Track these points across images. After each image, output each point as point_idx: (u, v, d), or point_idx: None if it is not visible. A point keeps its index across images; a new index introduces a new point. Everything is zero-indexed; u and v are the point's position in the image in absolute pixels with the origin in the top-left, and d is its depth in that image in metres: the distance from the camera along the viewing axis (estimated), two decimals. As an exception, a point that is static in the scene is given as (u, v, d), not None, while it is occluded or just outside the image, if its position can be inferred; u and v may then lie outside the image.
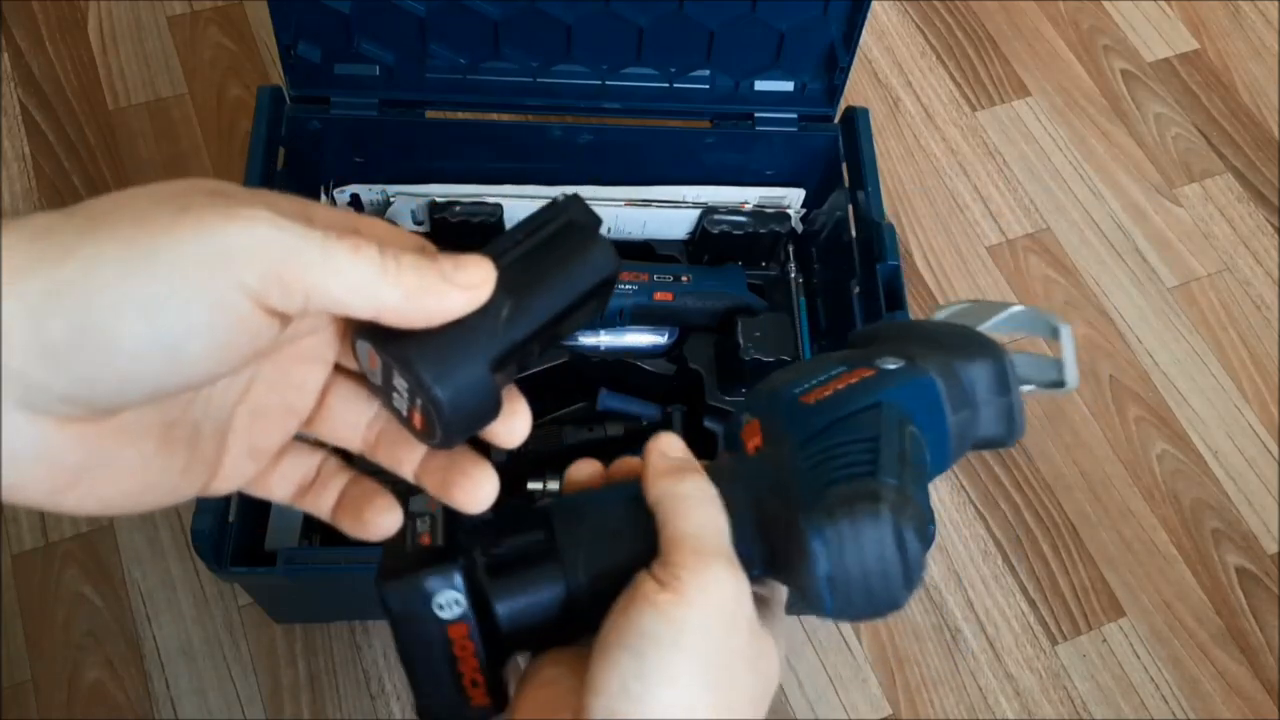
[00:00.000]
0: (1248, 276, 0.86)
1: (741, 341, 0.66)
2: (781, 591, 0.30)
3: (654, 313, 0.69)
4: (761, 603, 0.28)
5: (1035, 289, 0.85)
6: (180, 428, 0.24)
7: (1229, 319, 0.84)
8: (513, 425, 0.27)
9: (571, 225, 0.26)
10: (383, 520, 0.27)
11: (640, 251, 0.73)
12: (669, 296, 0.69)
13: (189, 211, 0.21)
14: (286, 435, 0.27)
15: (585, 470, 0.31)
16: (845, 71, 0.68)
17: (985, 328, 0.34)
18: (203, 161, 0.83)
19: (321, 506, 0.28)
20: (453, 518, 0.28)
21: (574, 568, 0.27)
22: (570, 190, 0.28)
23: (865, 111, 0.69)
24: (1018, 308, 0.35)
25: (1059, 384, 0.33)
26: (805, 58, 0.68)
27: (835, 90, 0.69)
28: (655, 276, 0.69)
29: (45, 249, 0.20)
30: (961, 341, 0.31)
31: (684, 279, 0.69)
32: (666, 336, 0.71)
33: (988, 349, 0.31)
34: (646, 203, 0.71)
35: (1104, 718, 0.69)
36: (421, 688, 0.28)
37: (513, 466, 0.66)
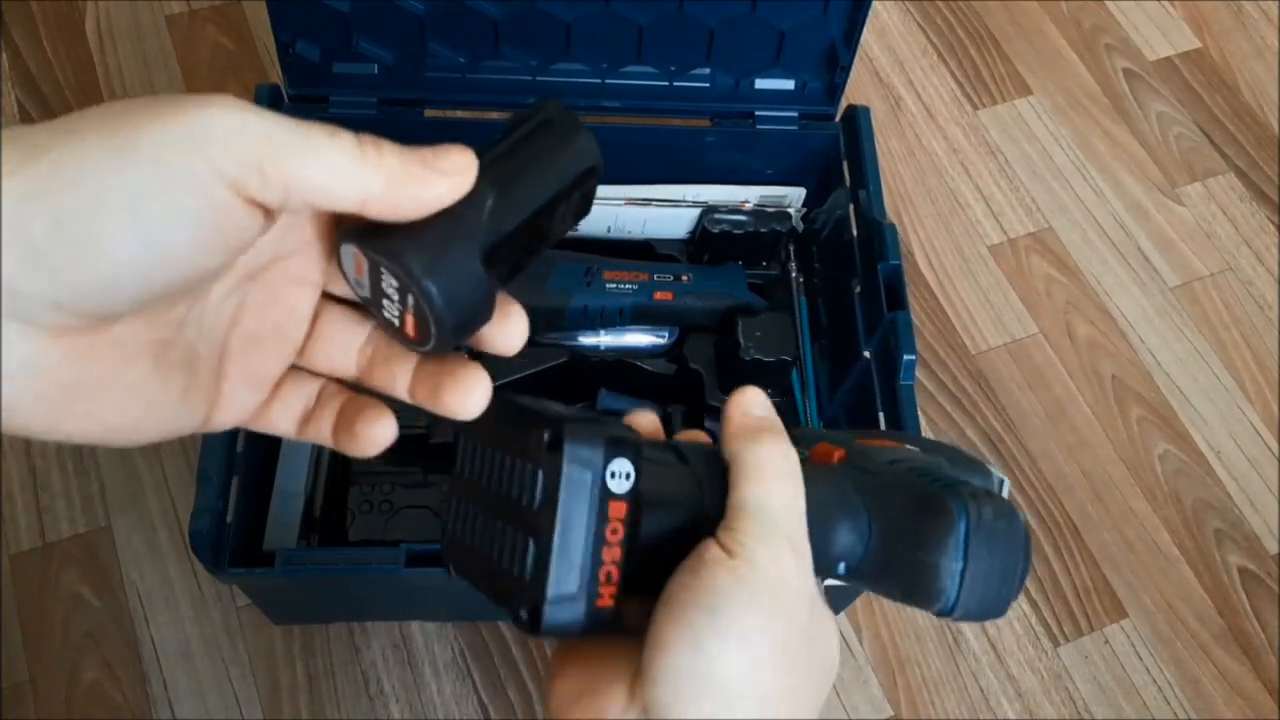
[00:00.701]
0: (1250, 276, 0.86)
1: (742, 341, 0.65)
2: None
3: (654, 312, 0.69)
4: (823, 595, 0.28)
5: (1037, 288, 0.84)
6: (175, 349, 0.24)
7: (1231, 318, 0.84)
8: (509, 329, 0.26)
9: (551, 122, 0.26)
10: (374, 431, 0.26)
11: (640, 251, 0.73)
12: (669, 296, 0.68)
13: (166, 103, 0.20)
14: (283, 363, 0.26)
15: (648, 422, 0.30)
16: (846, 70, 0.68)
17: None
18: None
19: (323, 432, 0.27)
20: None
21: (709, 497, 0.26)
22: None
23: (866, 110, 0.69)
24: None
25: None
26: (806, 56, 0.68)
27: (836, 89, 0.69)
28: (655, 276, 0.69)
29: (24, 151, 0.19)
30: (951, 449, 0.32)
31: (684, 278, 0.69)
32: (666, 336, 0.70)
33: (973, 461, 0.32)
34: (646, 202, 0.71)
35: (1106, 719, 0.69)
36: (554, 570, 0.24)
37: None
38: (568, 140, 0.26)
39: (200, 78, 0.86)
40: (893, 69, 0.93)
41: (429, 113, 0.68)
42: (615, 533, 0.25)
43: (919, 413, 0.58)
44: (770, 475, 0.27)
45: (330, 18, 0.63)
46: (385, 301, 0.24)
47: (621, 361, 0.68)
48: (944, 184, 0.88)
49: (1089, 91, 0.94)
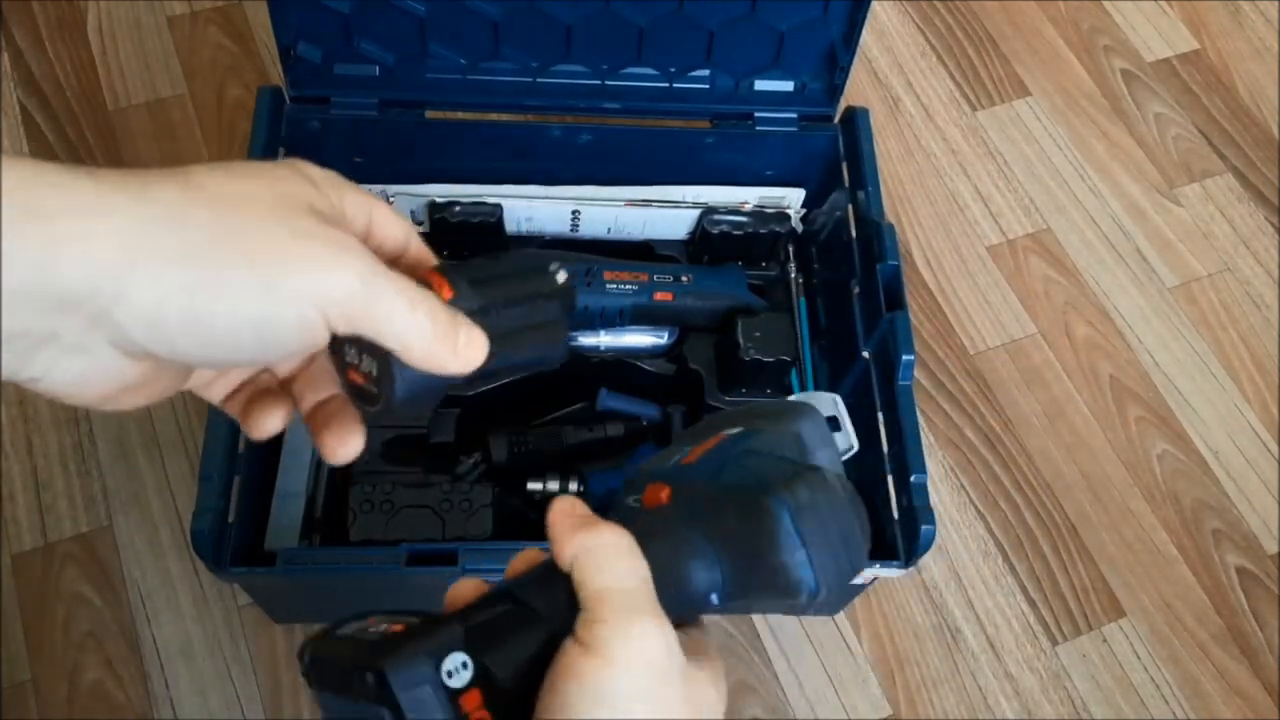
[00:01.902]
0: (1248, 276, 0.86)
1: (741, 341, 0.65)
2: (707, 630, 0.30)
3: (654, 313, 0.69)
4: (695, 643, 0.28)
5: (1035, 289, 0.85)
6: None
7: (1229, 319, 0.84)
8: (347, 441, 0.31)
9: (556, 323, 0.30)
10: (266, 420, 0.30)
11: (640, 251, 0.73)
12: (669, 296, 0.68)
13: (303, 241, 0.25)
14: None
15: (523, 561, 0.30)
16: (845, 71, 0.68)
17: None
18: (202, 162, 0.83)
19: (234, 408, 0.31)
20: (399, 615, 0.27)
21: (552, 619, 0.27)
22: (568, 267, 0.31)
23: (865, 111, 0.69)
24: (794, 396, 0.36)
25: (848, 450, 0.39)
26: (805, 57, 0.68)
27: (835, 90, 0.69)
28: (655, 276, 0.69)
29: (183, 241, 0.23)
30: (777, 408, 0.33)
31: (684, 279, 0.69)
32: (666, 336, 0.71)
33: (799, 408, 0.32)
34: (646, 203, 0.71)
35: (1104, 718, 0.69)
36: None
37: (513, 467, 0.66)
38: (552, 343, 0.30)
39: (202, 79, 0.87)
40: (891, 70, 0.94)
41: (430, 114, 0.68)
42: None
43: (917, 413, 0.58)
44: (611, 557, 0.27)
45: (331, 19, 0.63)
46: (350, 356, 0.28)
47: (621, 361, 0.68)
48: (942, 185, 0.89)
49: (1087, 92, 0.94)
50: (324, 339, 0.26)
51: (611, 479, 0.66)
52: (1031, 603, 0.72)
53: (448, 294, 0.28)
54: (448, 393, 0.30)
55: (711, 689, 0.27)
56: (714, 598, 0.28)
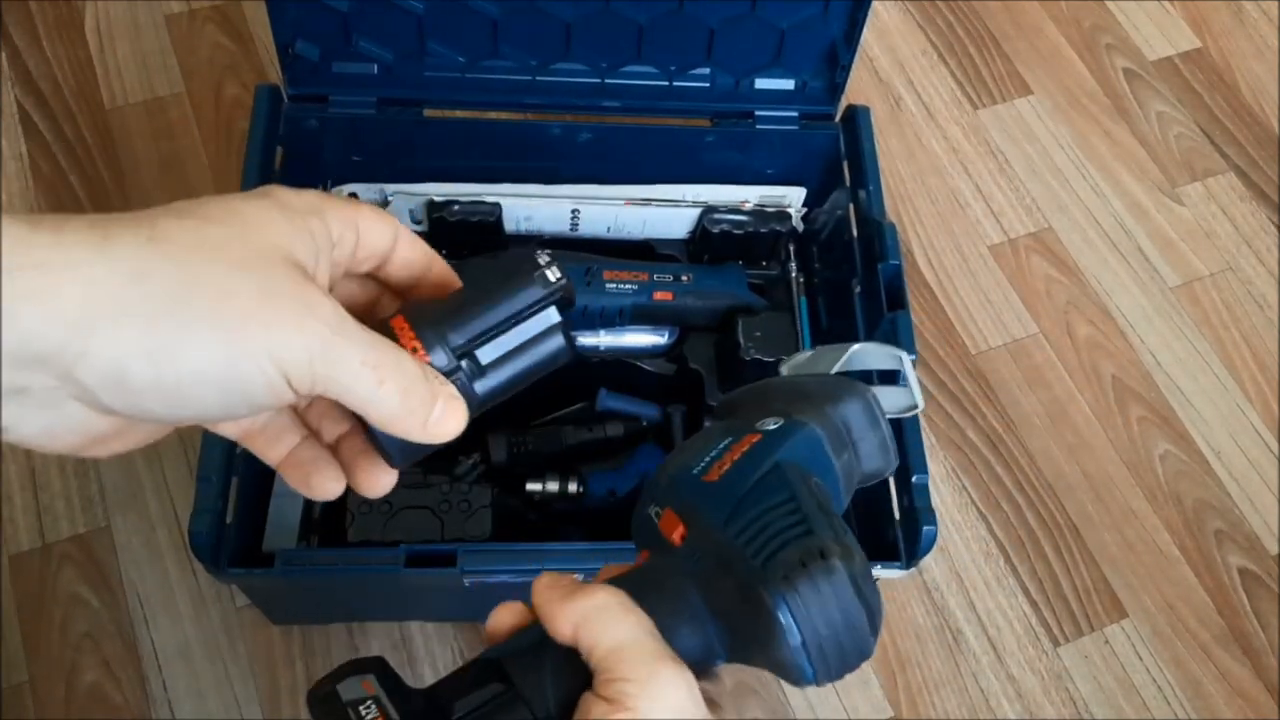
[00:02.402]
0: (1250, 276, 0.86)
1: (742, 341, 0.65)
2: (726, 679, 0.29)
3: (654, 312, 0.69)
4: (709, 692, 0.28)
5: (1037, 288, 0.84)
6: None
7: (1231, 318, 0.84)
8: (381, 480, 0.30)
9: (552, 329, 0.29)
10: (330, 487, 0.29)
11: (640, 251, 0.73)
12: (669, 296, 0.68)
13: (268, 302, 0.24)
14: None
15: (507, 616, 0.30)
16: (846, 70, 0.67)
17: (835, 371, 0.35)
18: (200, 161, 0.83)
19: (268, 455, 0.30)
20: (397, 690, 0.27)
21: (543, 706, 0.27)
22: (557, 261, 0.30)
23: (866, 110, 0.69)
24: (857, 346, 0.36)
25: (911, 408, 0.35)
26: (806, 56, 0.67)
27: (836, 89, 0.69)
28: (655, 276, 0.68)
29: (144, 298, 0.23)
30: (827, 387, 0.33)
31: (684, 278, 0.69)
32: (666, 336, 0.70)
33: (853, 389, 0.32)
34: (646, 201, 0.71)
35: (1106, 719, 0.69)
36: None
37: (512, 467, 0.65)
38: (554, 362, 0.29)
39: (199, 77, 0.86)
40: (893, 69, 0.93)
41: (428, 112, 0.68)
42: None
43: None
44: (617, 614, 0.26)
45: (329, 17, 0.63)
46: None
47: (621, 361, 0.68)
48: (944, 184, 0.88)
49: (1089, 91, 0.94)
50: (290, 398, 0.25)
51: (611, 479, 0.66)
52: (1033, 604, 0.72)
53: (419, 353, 0.27)
54: None
55: None
56: (717, 659, 0.28)
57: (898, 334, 0.59)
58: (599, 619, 0.26)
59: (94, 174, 0.82)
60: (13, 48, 0.86)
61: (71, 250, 0.22)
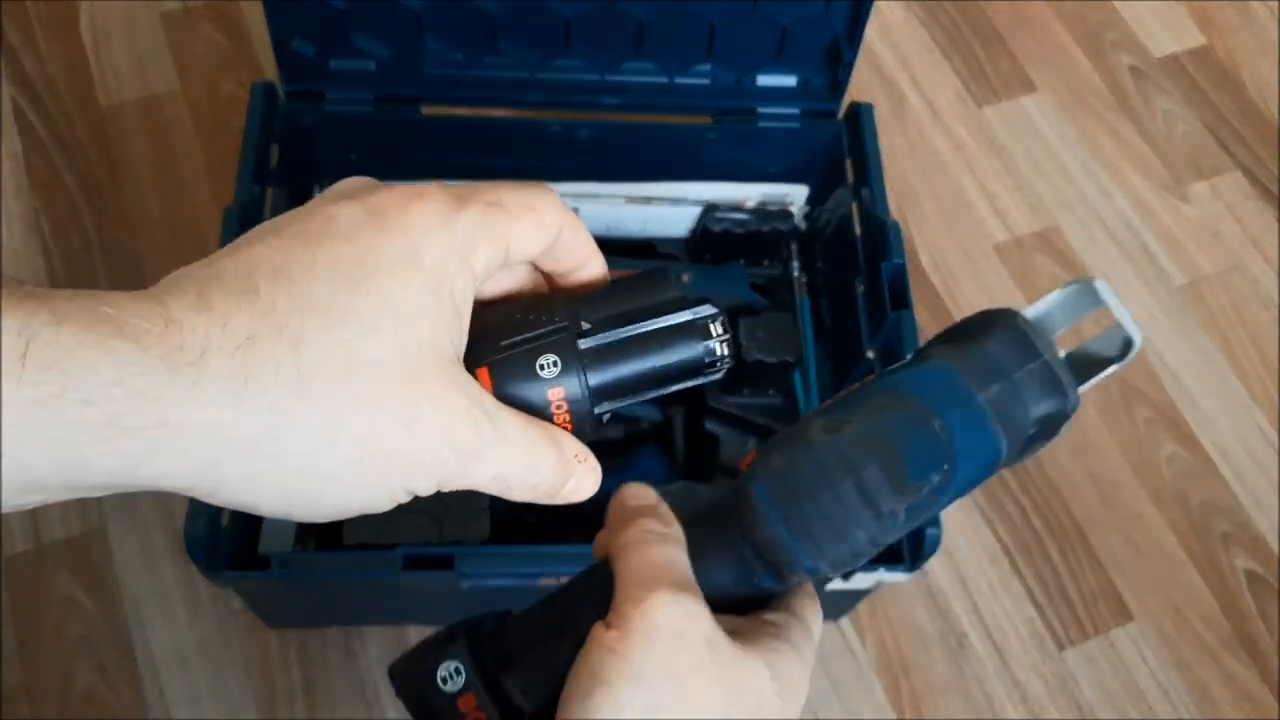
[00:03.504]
0: (1256, 275, 0.85)
1: (743, 341, 0.64)
2: (793, 620, 0.29)
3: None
4: (761, 627, 0.27)
5: (1043, 287, 0.83)
6: None
7: (1238, 318, 0.83)
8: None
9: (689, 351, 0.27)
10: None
11: (641, 250, 0.72)
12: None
13: (414, 435, 0.23)
14: None
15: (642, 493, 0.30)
16: (849, 67, 0.67)
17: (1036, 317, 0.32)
18: (196, 159, 0.82)
19: None
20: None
21: (579, 623, 0.27)
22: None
23: (869, 107, 0.68)
24: (1054, 293, 0.32)
25: (1127, 345, 0.30)
26: (808, 53, 0.67)
27: (839, 86, 0.68)
28: (656, 275, 0.68)
29: (283, 451, 0.21)
30: (974, 324, 0.29)
31: (685, 278, 0.68)
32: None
33: (997, 316, 0.29)
34: (647, 200, 0.70)
35: (1112, 724, 0.68)
36: None
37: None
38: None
39: (195, 75, 0.86)
40: (896, 66, 0.93)
41: (427, 110, 0.67)
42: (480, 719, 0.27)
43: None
44: (641, 546, 0.27)
45: (326, 14, 0.62)
46: None
47: (622, 362, 0.67)
48: (948, 182, 0.87)
49: (1094, 89, 0.93)
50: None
51: (611, 481, 0.65)
52: (1038, 607, 0.71)
53: (563, 411, 0.26)
54: None
55: (763, 673, 0.26)
56: (761, 579, 0.27)
57: (902, 334, 0.59)
58: (628, 549, 0.27)
59: (89, 172, 0.81)
60: (7, 45, 0.86)
61: (209, 403, 0.20)
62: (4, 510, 0.20)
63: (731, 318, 0.67)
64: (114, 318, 0.19)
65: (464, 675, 0.27)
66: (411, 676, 0.27)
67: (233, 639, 0.66)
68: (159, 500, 0.70)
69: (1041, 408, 0.28)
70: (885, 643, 0.69)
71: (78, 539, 0.68)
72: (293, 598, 0.61)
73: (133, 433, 0.19)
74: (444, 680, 0.27)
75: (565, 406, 0.26)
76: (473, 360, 0.25)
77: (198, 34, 0.88)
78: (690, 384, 0.27)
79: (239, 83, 0.85)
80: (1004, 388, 0.27)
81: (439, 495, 0.68)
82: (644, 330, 0.27)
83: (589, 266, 0.28)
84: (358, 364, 0.22)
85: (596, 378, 0.26)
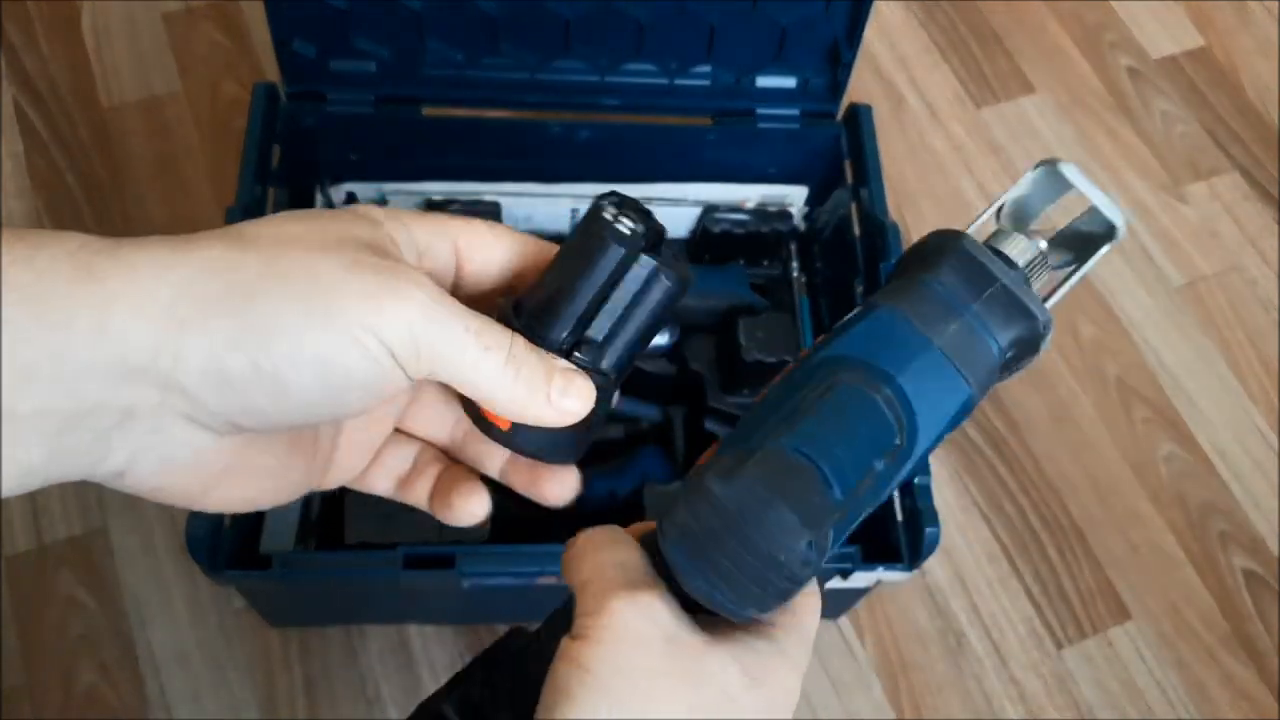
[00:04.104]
0: (1255, 276, 0.86)
1: (743, 342, 0.65)
2: (788, 620, 0.28)
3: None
4: (735, 628, 0.27)
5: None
6: (306, 435, 0.28)
7: (1236, 319, 0.84)
8: (564, 481, 0.30)
9: (670, 290, 0.27)
10: (469, 505, 0.29)
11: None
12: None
13: (355, 272, 0.24)
14: (386, 431, 0.30)
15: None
16: (848, 68, 0.67)
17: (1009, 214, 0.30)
18: (197, 159, 0.82)
19: (419, 497, 0.30)
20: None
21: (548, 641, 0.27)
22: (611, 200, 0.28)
23: (868, 108, 0.68)
24: (1022, 178, 0.30)
25: (1109, 227, 0.26)
26: (808, 54, 0.67)
27: (838, 87, 0.69)
28: (656, 276, 0.68)
29: (231, 287, 0.23)
30: (923, 251, 0.27)
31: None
32: (667, 337, 0.70)
33: (945, 242, 0.26)
34: (647, 200, 0.70)
35: (1110, 723, 0.68)
36: None
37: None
38: (671, 311, 0.28)
39: (196, 76, 0.86)
40: (894, 67, 0.93)
41: (427, 110, 0.67)
42: None
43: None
44: (587, 554, 0.27)
45: (327, 15, 0.62)
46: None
47: (621, 362, 0.68)
48: (947, 183, 0.88)
49: (1092, 89, 0.93)
50: (401, 379, 0.24)
51: (611, 481, 0.65)
52: (1036, 606, 0.72)
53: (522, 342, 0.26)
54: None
55: (730, 668, 0.26)
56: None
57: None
58: (577, 556, 0.27)
59: (90, 173, 0.81)
60: (9, 46, 0.86)
61: (156, 251, 0.22)
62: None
63: (731, 318, 0.67)
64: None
65: None
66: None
67: (234, 638, 0.66)
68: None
69: (1009, 334, 0.26)
70: (884, 641, 0.69)
71: (79, 538, 0.68)
72: (294, 597, 0.61)
73: (97, 281, 0.21)
74: None
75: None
76: None
77: (199, 35, 0.88)
78: (642, 294, 0.27)
79: (240, 83, 0.85)
80: (961, 325, 0.25)
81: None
82: (560, 255, 0.27)
83: (530, 261, 0.28)
84: (290, 236, 0.24)
85: (542, 319, 0.26)
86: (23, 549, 0.68)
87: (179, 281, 0.22)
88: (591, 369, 0.27)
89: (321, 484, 0.29)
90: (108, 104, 0.84)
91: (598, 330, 0.26)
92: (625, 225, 0.27)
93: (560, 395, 0.25)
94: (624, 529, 0.29)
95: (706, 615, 0.26)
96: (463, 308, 0.25)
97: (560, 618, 0.27)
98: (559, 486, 0.29)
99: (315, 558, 0.59)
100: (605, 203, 0.27)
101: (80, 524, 0.69)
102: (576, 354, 0.27)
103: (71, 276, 0.21)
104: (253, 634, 0.66)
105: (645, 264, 0.27)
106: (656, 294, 0.27)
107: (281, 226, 0.24)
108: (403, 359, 0.24)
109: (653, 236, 0.27)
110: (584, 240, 0.27)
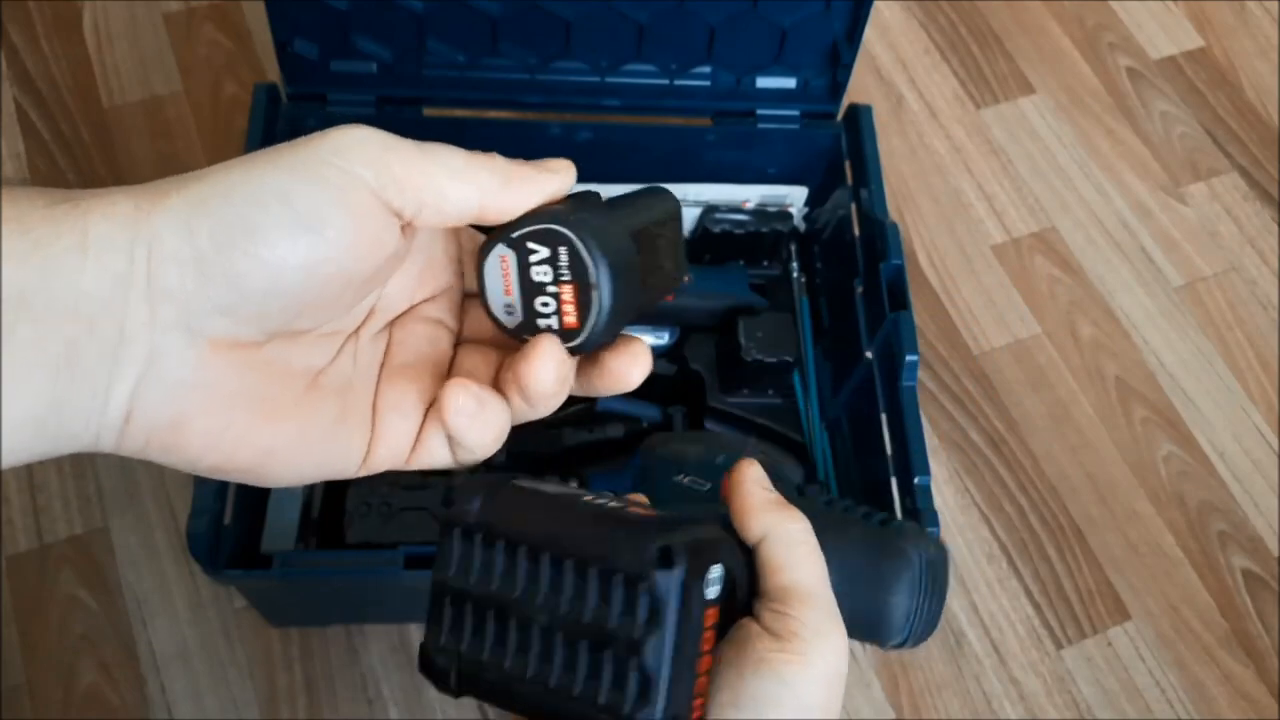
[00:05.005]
0: (1254, 276, 0.86)
1: (743, 341, 0.65)
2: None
3: (654, 313, 0.68)
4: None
5: (1040, 288, 0.84)
6: (329, 376, 0.26)
7: (1235, 319, 0.84)
8: (635, 357, 0.28)
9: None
10: (475, 428, 0.26)
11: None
12: (669, 296, 0.68)
13: (297, 137, 0.24)
14: (431, 389, 0.28)
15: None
16: (848, 68, 0.67)
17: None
18: (198, 160, 0.82)
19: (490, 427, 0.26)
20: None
21: (740, 569, 0.26)
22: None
23: (868, 109, 0.68)
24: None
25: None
26: (808, 54, 0.67)
27: (838, 87, 0.69)
28: (656, 276, 0.68)
29: (180, 181, 0.23)
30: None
31: (686, 279, 0.68)
32: (667, 336, 0.70)
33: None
34: (647, 201, 0.71)
35: (1109, 722, 0.68)
36: (663, 697, 0.22)
37: (511, 468, 0.65)
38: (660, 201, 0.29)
39: (197, 76, 0.86)
40: (894, 67, 0.93)
41: (427, 111, 0.68)
42: (709, 642, 0.23)
43: (921, 414, 0.58)
44: (803, 551, 0.26)
45: (328, 16, 0.62)
46: (538, 303, 0.25)
47: (622, 362, 0.68)
48: (946, 183, 0.88)
49: (1092, 90, 0.93)
50: (390, 226, 0.24)
51: (612, 481, 0.65)
52: (1036, 606, 0.72)
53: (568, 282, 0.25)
54: None
55: (836, 703, 0.27)
56: None
57: (900, 334, 0.59)
58: (795, 548, 0.26)
59: (91, 173, 0.81)
60: (10, 47, 0.86)
61: (162, 188, 0.23)
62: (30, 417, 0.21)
63: (731, 318, 0.67)
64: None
65: (721, 586, 0.23)
66: (697, 566, 0.22)
67: (234, 637, 0.66)
68: (161, 499, 0.70)
69: None
70: (884, 641, 0.69)
71: (80, 538, 0.68)
72: (294, 596, 0.61)
73: (72, 201, 0.22)
74: (708, 583, 0.23)
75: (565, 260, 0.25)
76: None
77: (200, 35, 0.88)
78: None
79: (241, 84, 0.85)
80: None
81: (440, 495, 0.68)
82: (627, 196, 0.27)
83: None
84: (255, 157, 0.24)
85: (593, 211, 0.26)
86: (24, 548, 0.68)
87: (141, 191, 0.23)
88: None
89: (372, 456, 0.26)
90: (109, 104, 0.84)
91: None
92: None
93: (543, 162, 0.26)
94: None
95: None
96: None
97: (727, 552, 0.24)
98: (631, 362, 0.28)
99: (316, 557, 0.59)
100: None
101: (81, 523, 0.69)
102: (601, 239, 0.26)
103: (49, 202, 0.22)
104: (253, 634, 0.66)
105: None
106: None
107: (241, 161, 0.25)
108: (375, 185, 0.24)
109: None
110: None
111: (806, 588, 0.25)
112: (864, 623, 0.29)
